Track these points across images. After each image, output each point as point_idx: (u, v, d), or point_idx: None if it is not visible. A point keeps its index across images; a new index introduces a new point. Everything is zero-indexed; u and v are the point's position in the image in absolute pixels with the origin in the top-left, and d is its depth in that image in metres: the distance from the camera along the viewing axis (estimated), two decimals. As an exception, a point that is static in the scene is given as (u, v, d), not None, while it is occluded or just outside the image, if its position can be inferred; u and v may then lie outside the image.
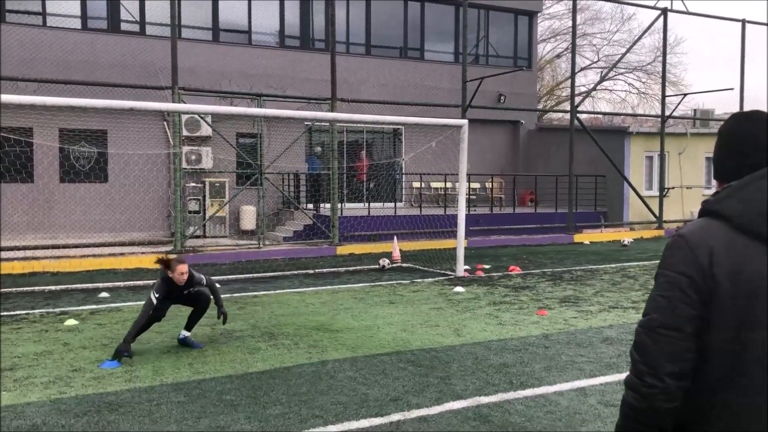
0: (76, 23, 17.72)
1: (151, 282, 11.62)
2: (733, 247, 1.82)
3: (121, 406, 5.28)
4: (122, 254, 14.16)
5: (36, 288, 10.90)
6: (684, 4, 21.49)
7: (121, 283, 11.44)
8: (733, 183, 1.90)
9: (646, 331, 1.88)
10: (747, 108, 24.11)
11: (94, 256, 13.80)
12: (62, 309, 9.24)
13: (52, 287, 10.99)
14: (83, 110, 15.54)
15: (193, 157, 17.55)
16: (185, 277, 6.92)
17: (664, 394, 1.83)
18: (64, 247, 14.40)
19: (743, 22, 22.39)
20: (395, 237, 15.39)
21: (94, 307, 9.41)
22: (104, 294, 10.37)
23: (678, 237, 1.91)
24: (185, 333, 7.18)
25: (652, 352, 1.85)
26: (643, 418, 1.87)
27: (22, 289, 10.79)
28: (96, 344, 7.24)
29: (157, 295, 6.80)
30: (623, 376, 6.27)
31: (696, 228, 1.89)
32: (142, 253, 14.43)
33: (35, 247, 13.91)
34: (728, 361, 1.81)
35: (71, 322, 8.29)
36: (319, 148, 18.42)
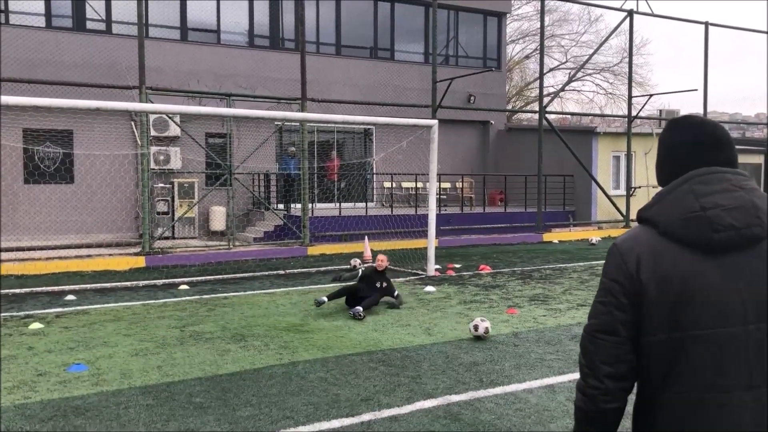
0: (41, 21, 17.40)
1: (118, 284, 11.48)
2: (659, 252, 1.88)
3: (87, 410, 5.20)
4: (89, 256, 13.93)
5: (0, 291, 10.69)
6: (649, 6, 21.88)
7: (88, 286, 11.26)
8: (662, 189, 1.98)
9: (586, 336, 1.97)
10: (710, 108, 24.54)
11: (60, 258, 13.56)
12: (27, 312, 9.06)
13: (17, 290, 10.76)
14: (48, 110, 15.26)
15: (162, 158, 17.35)
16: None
17: (604, 395, 1.91)
18: (29, 249, 14.13)
19: (706, 24, 22.86)
20: (366, 237, 15.40)
21: (59, 310, 9.25)
22: (70, 297, 10.19)
23: (612, 245, 1.99)
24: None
25: (591, 355, 1.94)
26: (590, 419, 1.95)
27: (-15, 292, 10.56)
28: (62, 348, 7.12)
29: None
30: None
31: (628, 236, 1.97)
32: (110, 255, 14.23)
33: (-1, 250, 13.62)
34: (664, 361, 1.87)
35: (36, 325, 8.13)
36: (293, 148, 18.33)
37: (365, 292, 8.99)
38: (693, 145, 1.96)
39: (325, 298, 8.90)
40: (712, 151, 1.95)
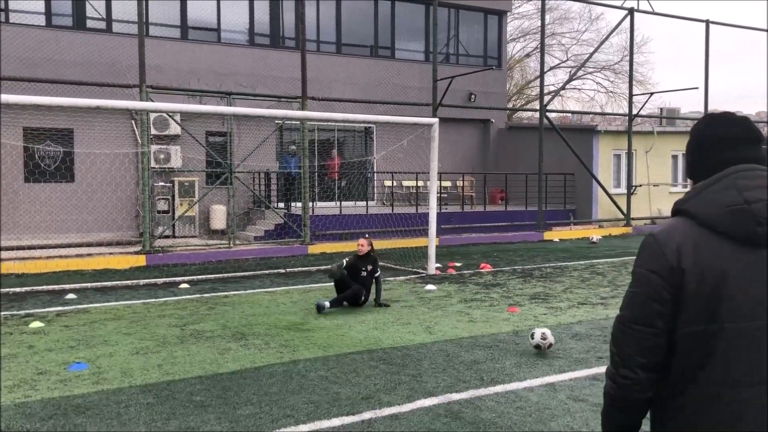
0: (41, 20, 17.39)
1: (119, 283, 11.48)
2: (698, 243, 1.90)
3: (88, 408, 5.19)
4: (89, 255, 13.93)
5: (0, 290, 10.67)
6: (650, 4, 21.84)
7: (89, 285, 11.26)
8: (699, 183, 2.00)
9: (620, 326, 1.99)
10: (711, 106, 24.58)
11: (60, 257, 13.56)
12: (27, 311, 9.06)
13: (17, 289, 10.76)
14: (48, 109, 15.25)
15: (162, 156, 17.34)
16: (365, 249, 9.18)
17: (636, 385, 1.94)
18: (30, 248, 14.12)
19: (707, 22, 22.83)
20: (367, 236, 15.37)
21: (60, 308, 9.24)
22: (71, 295, 10.19)
23: (649, 236, 2.00)
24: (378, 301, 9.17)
25: (625, 345, 1.96)
26: (620, 406, 1.99)
27: (-15, 291, 10.56)
28: (62, 346, 7.11)
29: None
30: (592, 371, 6.38)
31: (666, 227, 1.99)
32: (110, 253, 14.23)
33: (-1, 249, 13.61)
34: (697, 353, 1.89)
35: (36, 324, 8.13)
36: (293, 147, 18.32)
37: (349, 283, 9.06)
38: (732, 141, 2.00)
39: (327, 303, 8.90)
40: (748, 148, 1.99)
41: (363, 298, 9.17)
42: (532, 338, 6.80)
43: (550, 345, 6.76)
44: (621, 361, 1.96)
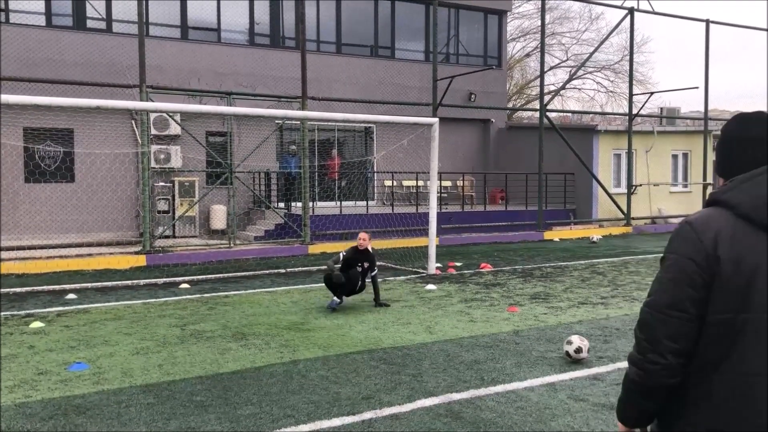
0: (41, 20, 17.39)
1: (119, 283, 11.48)
2: (736, 233, 1.93)
3: (88, 409, 5.19)
4: (90, 255, 13.93)
5: (0, 290, 10.67)
6: (650, 4, 21.84)
7: (89, 285, 11.26)
8: (738, 176, 2.04)
9: (651, 311, 2.01)
10: (711, 106, 24.51)
11: (60, 257, 13.56)
12: (28, 311, 9.06)
13: (17, 289, 10.77)
14: (48, 109, 15.26)
15: (162, 156, 17.34)
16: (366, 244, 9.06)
17: (665, 370, 1.96)
18: (30, 248, 14.13)
19: (707, 22, 22.82)
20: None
21: (60, 309, 9.24)
22: (71, 296, 10.19)
23: (685, 224, 2.03)
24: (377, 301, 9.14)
25: (655, 330, 1.98)
26: (646, 392, 2.01)
27: (-15, 291, 10.56)
28: (63, 347, 7.11)
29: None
30: (592, 371, 6.37)
31: (701, 216, 2.02)
32: (110, 253, 14.23)
33: (-1, 249, 13.62)
34: (722, 342, 1.92)
35: (37, 324, 8.13)
36: (293, 147, 18.32)
37: (345, 278, 8.88)
38: (764, 140, 2.04)
39: (337, 299, 8.92)
40: None
41: (360, 284, 9.10)
42: (570, 344, 6.41)
43: (587, 350, 6.45)
44: (650, 347, 1.97)
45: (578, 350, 6.36)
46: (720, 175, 2.13)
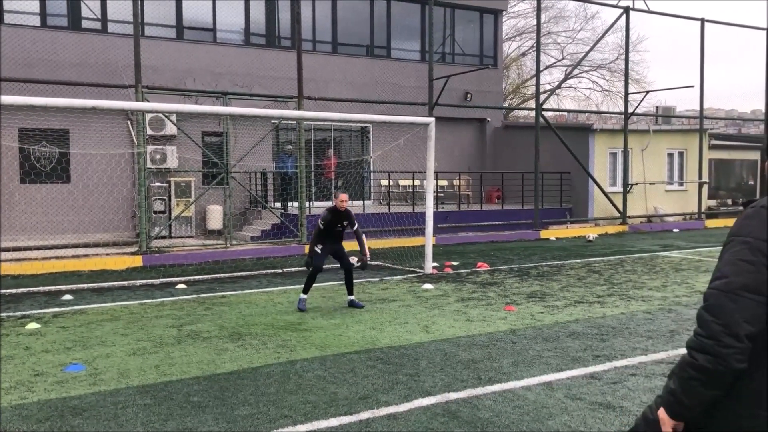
0: (36, 20, 17.34)
1: (115, 284, 11.45)
2: None
3: (85, 410, 5.19)
4: (86, 256, 13.90)
5: (-4, 291, 10.65)
6: (645, 3, 21.88)
7: (85, 285, 11.23)
8: None
9: (724, 293, 1.95)
10: (707, 104, 24.55)
11: (56, 258, 13.53)
12: (24, 312, 9.04)
13: (13, 290, 10.73)
14: (44, 109, 15.20)
15: (158, 157, 17.32)
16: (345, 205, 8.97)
17: (740, 354, 1.91)
18: (26, 249, 14.09)
19: (702, 21, 22.87)
20: (363, 235, 15.35)
21: (56, 309, 9.22)
22: (67, 296, 10.17)
23: (760, 208, 2.02)
24: (350, 297, 9.14)
25: (731, 313, 1.92)
26: (714, 379, 1.95)
27: (-19, 292, 10.53)
28: (59, 348, 7.10)
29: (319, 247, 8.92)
30: (589, 369, 6.37)
31: None
32: (107, 254, 14.20)
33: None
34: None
35: (33, 325, 8.11)
36: (290, 147, 18.30)
37: (328, 241, 9.00)
38: None
39: (304, 296, 8.97)
40: None
41: (354, 265, 9.18)
42: None
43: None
44: (724, 330, 1.91)
45: None
46: None
